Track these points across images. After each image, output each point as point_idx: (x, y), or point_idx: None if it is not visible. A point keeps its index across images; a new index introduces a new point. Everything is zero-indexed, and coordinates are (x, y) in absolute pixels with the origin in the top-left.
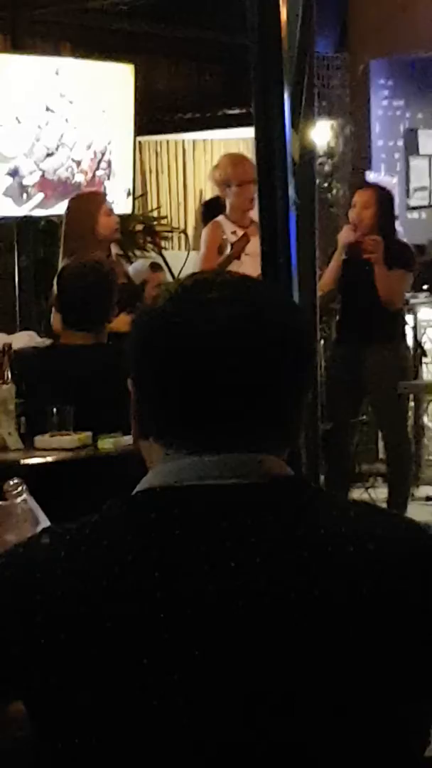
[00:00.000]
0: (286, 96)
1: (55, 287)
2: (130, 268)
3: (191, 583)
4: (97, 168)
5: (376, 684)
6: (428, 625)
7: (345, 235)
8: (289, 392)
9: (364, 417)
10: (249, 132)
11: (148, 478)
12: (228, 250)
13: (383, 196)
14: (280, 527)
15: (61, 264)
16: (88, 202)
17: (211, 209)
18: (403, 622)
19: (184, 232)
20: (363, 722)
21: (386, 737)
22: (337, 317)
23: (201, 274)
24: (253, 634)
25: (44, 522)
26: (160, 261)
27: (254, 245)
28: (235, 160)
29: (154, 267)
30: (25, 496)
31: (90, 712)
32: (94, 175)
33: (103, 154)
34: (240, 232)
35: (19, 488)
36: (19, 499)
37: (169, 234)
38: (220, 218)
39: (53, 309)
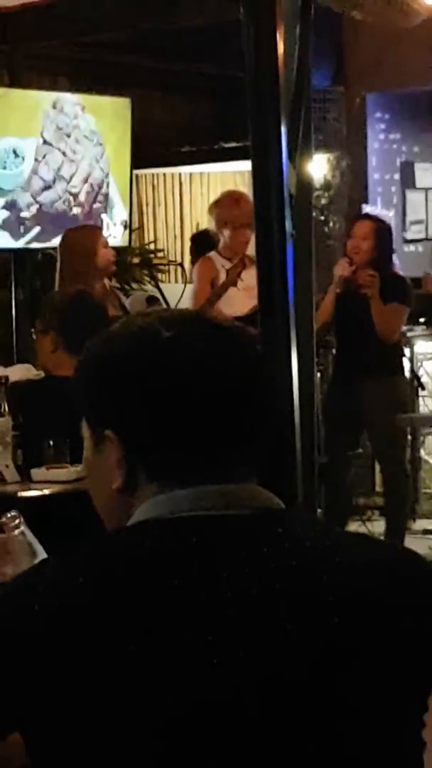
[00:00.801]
0: (282, 130)
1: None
2: (127, 301)
3: (188, 613)
4: (94, 201)
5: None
6: (416, 636)
7: (341, 268)
8: (263, 424)
9: (360, 450)
10: (246, 165)
11: (141, 511)
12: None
13: (381, 228)
14: (275, 556)
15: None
16: (85, 234)
17: (199, 243)
18: (399, 634)
19: (181, 264)
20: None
21: (382, 739)
22: (334, 350)
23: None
24: (252, 663)
25: (41, 554)
26: (157, 294)
27: (248, 278)
28: (233, 200)
29: (151, 301)
30: (22, 528)
31: (89, 745)
32: (90, 208)
33: (100, 187)
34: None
35: (16, 521)
36: (16, 532)
37: (166, 267)
38: (212, 254)
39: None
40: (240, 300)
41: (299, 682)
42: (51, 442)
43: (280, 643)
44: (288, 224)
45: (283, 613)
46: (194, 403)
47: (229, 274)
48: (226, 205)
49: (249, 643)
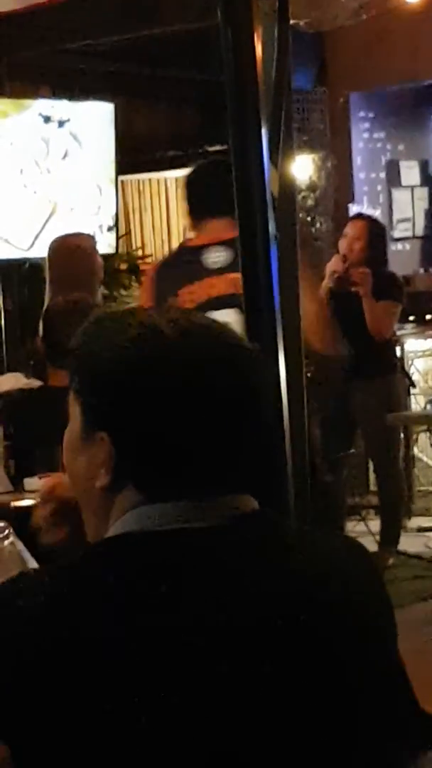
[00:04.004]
0: (263, 132)
1: (41, 327)
2: None
3: (176, 624)
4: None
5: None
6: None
7: (333, 265)
8: (258, 435)
9: (352, 450)
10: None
11: (125, 522)
12: None
13: (375, 228)
14: (260, 564)
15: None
16: (83, 245)
17: None
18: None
19: None
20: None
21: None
22: None
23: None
24: (242, 671)
25: (32, 564)
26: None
27: None
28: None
29: None
30: (12, 539)
31: (75, 756)
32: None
33: (85, 194)
34: None
35: (6, 531)
36: (6, 543)
37: None
38: None
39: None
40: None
41: (289, 684)
42: (43, 452)
43: (271, 648)
44: (271, 226)
45: (272, 618)
46: (195, 416)
47: None
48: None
49: (239, 651)
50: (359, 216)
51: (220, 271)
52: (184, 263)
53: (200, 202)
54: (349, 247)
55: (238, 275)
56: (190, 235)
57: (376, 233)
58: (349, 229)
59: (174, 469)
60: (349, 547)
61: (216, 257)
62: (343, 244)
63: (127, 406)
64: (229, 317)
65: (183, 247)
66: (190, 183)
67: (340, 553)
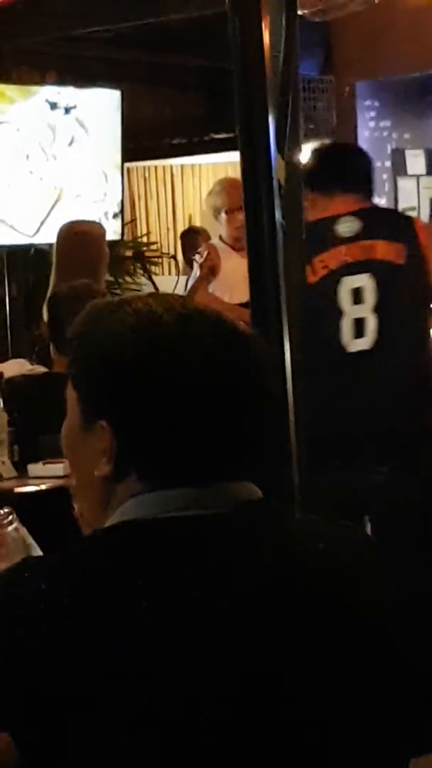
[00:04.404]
0: (270, 120)
1: (45, 313)
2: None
3: (178, 611)
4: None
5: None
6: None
7: None
8: (263, 424)
9: None
10: (237, 156)
11: (127, 509)
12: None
13: None
14: (262, 552)
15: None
16: (92, 232)
17: (188, 239)
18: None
19: (174, 257)
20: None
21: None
22: None
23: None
24: (250, 656)
25: (36, 550)
26: (151, 288)
27: (235, 262)
28: (223, 187)
29: None
30: (16, 524)
31: (79, 747)
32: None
33: (91, 181)
34: (235, 256)
35: (10, 517)
36: (9, 528)
37: (159, 259)
38: (215, 241)
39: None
40: (243, 287)
41: (298, 671)
42: (47, 438)
43: (275, 634)
44: (277, 213)
45: (275, 605)
46: (197, 402)
47: (201, 268)
48: (217, 191)
49: (244, 637)
50: None
51: (352, 239)
52: (317, 233)
53: (331, 179)
54: None
55: (370, 242)
56: (319, 208)
57: None
58: None
59: (175, 456)
60: (354, 537)
61: (348, 227)
62: None
63: (127, 393)
64: (363, 282)
65: (316, 220)
66: (320, 161)
67: (345, 543)
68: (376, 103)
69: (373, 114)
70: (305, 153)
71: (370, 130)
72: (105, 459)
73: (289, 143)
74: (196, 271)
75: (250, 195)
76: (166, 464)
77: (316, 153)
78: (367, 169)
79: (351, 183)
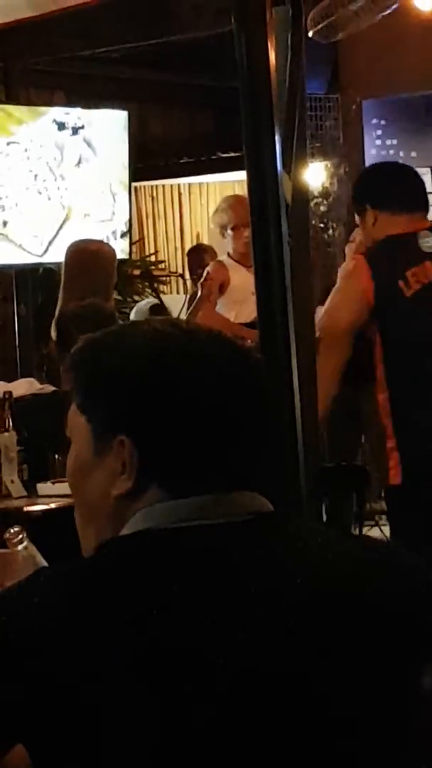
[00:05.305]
0: (276, 138)
1: (53, 332)
2: (132, 312)
3: (191, 621)
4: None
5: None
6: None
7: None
8: (267, 434)
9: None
10: (244, 175)
11: (139, 519)
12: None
13: None
14: (277, 561)
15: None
16: (100, 251)
17: (193, 256)
18: (390, 626)
19: (182, 275)
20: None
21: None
22: None
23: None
24: (257, 664)
25: None
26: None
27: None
28: (229, 204)
29: (155, 309)
30: (26, 543)
31: (92, 755)
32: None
33: (99, 201)
34: (244, 271)
35: (20, 536)
36: (20, 547)
37: (167, 278)
38: (224, 258)
39: (57, 356)
40: (251, 302)
41: (305, 681)
42: (57, 456)
43: (282, 643)
44: (285, 232)
45: (284, 613)
46: (213, 412)
47: (201, 289)
48: (223, 209)
49: (252, 646)
50: None
51: None
52: (399, 249)
53: (400, 198)
54: (357, 253)
55: None
56: (385, 225)
57: None
58: (357, 236)
59: (196, 463)
60: (370, 547)
61: (429, 242)
62: (349, 250)
63: (147, 404)
64: None
65: (397, 235)
66: (386, 180)
67: (359, 556)
68: (383, 122)
69: (379, 132)
70: (312, 171)
71: (377, 149)
72: (125, 476)
73: (295, 161)
74: (198, 291)
75: (258, 215)
76: (186, 472)
77: (377, 172)
78: (424, 188)
79: (417, 202)
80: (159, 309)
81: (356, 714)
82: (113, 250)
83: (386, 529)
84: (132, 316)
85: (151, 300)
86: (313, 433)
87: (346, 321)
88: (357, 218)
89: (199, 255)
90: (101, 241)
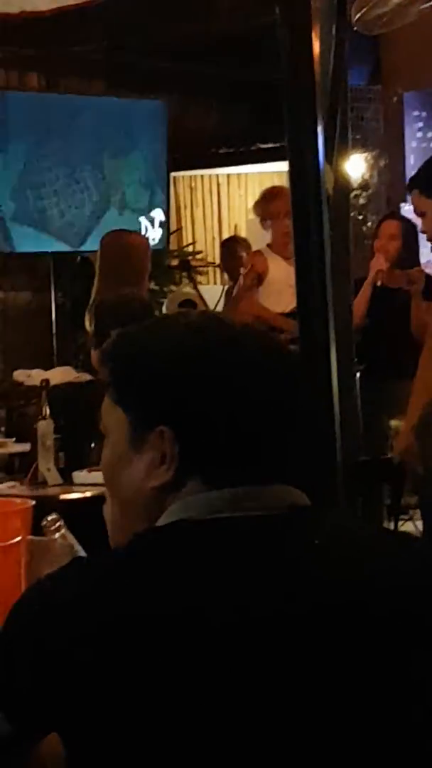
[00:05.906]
0: (319, 129)
1: (88, 322)
2: (166, 301)
3: (227, 613)
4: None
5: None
6: None
7: (378, 263)
8: (304, 427)
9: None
10: (283, 166)
11: (174, 511)
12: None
13: (408, 228)
14: (310, 555)
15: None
16: (135, 241)
17: (227, 248)
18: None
19: (219, 266)
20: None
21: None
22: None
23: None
24: (295, 660)
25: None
26: (195, 296)
27: (282, 269)
28: (269, 194)
29: (185, 304)
30: (63, 531)
31: (125, 744)
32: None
33: (137, 191)
34: (282, 262)
35: (57, 524)
36: (57, 535)
37: (205, 269)
38: (263, 249)
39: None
40: (290, 294)
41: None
42: (92, 445)
43: (319, 639)
44: (326, 224)
45: (322, 608)
46: (252, 404)
47: (244, 279)
48: (263, 200)
49: (288, 639)
50: (392, 215)
51: None
52: None
53: None
54: (385, 246)
55: None
56: None
57: (410, 233)
58: (384, 229)
59: (236, 454)
60: (410, 545)
61: None
62: (377, 244)
63: (188, 393)
64: None
65: None
66: None
67: (398, 553)
68: (424, 114)
69: (420, 124)
70: (352, 163)
71: (418, 141)
72: (164, 466)
73: (337, 153)
74: (241, 282)
75: (299, 205)
76: (224, 464)
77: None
78: None
79: None
80: (188, 305)
81: (378, 722)
82: (147, 240)
83: (419, 524)
84: (165, 307)
85: (185, 291)
86: (351, 426)
87: None
88: (416, 206)
89: (231, 246)
90: (135, 232)
